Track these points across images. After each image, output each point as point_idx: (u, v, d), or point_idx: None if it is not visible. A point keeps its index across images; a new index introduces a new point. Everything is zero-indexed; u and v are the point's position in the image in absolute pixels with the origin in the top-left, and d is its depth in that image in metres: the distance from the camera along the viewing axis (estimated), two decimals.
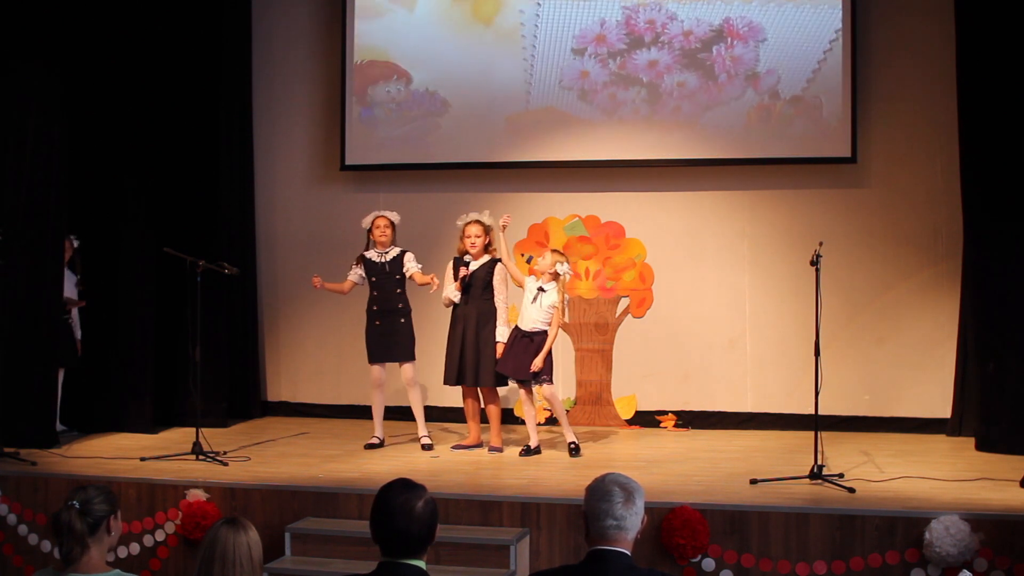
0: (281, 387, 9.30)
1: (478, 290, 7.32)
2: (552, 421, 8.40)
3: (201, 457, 6.89)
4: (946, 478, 6.35)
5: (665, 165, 8.55)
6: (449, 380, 7.40)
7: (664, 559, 5.59)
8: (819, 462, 6.26)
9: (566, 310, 7.33)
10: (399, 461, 7.05)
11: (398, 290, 7.49)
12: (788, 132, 8.24)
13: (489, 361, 7.26)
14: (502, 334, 7.29)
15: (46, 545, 6.40)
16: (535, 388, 7.28)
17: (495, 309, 7.33)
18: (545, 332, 7.15)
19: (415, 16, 8.83)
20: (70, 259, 8.02)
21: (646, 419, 8.57)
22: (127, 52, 8.28)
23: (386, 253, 7.50)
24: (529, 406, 7.30)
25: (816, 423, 6.36)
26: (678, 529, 5.55)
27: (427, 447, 7.42)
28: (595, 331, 8.68)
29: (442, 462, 7.06)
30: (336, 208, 9.08)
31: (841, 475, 6.30)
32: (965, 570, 5.10)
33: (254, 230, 9.22)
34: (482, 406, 7.46)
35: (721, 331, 8.50)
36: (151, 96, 8.36)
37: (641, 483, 3.25)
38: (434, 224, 8.41)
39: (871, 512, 5.55)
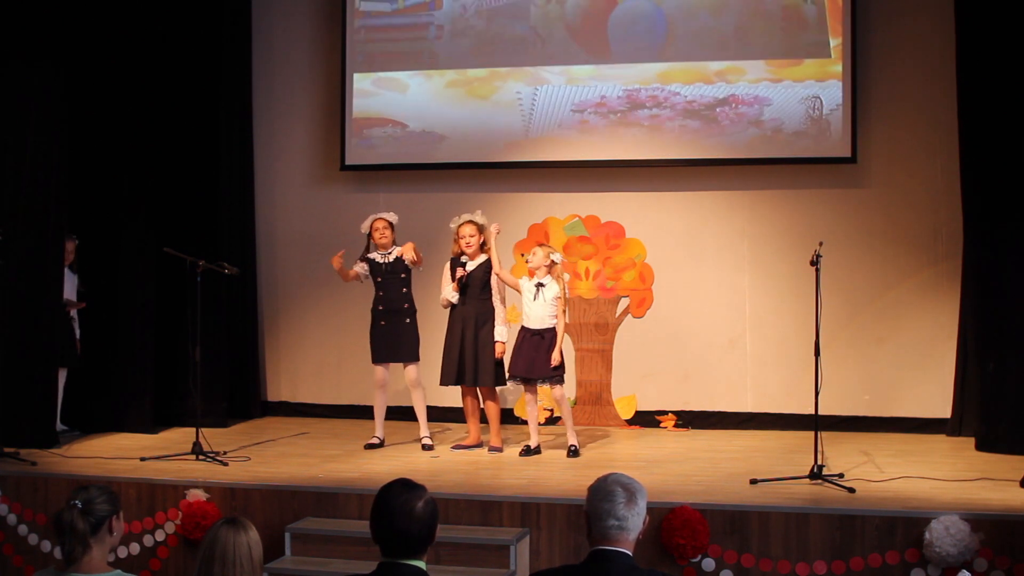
0: (281, 387, 9.29)
1: (476, 290, 7.32)
2: (551, 421, 8.40)
3: (201, 457, 6.89)
4: (946, 478, 6.35)
5: (665, 165, 8.55)
6: (447, 380, 7.39)
7: (664, 559, 5.59)
8: (819, 462, 6.26)
9: (566, 309, 7.33)
10: (399, 461, 7.05)
11: (403, 289, 7.49)
12: (788, 132, 8.25)
13: (488, 361, 7.26)
14: (501, 333, 7.30)
15: (46, 545, 6.40)
16: (540, 388, 7.28)
17: (493, 308, 7.34)
18: (554, 328, 7.16)
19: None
20: (72, 260, 8.03)
21: (646, 419, 8.57)
22: (127, 52, 8.27)
23: (388, 254, 7.51)
24: (532, 406, 7.31)
25: (816, 423, 6.36)
26: (678, 529, 5.55)
27: (427, 447, 7.42)
28: (595, 331, 8.68)
29: (442, 462, 7.07)
30: (336, 208, 9.08)
31: (841, 475, 6.30)
32: (965, 570, 5.10)
33: (254, 230, 9.22)
34: (480, 406, 7.46)
35: (721, 331, 8.50)
36: (151, 96, 8.35)
37: (641, 483, 3.25)
38: (434, 224, 8.40)
39: (871, 512, 5.56)
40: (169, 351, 8.39)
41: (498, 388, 7.45)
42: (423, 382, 7.54)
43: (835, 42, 8.19)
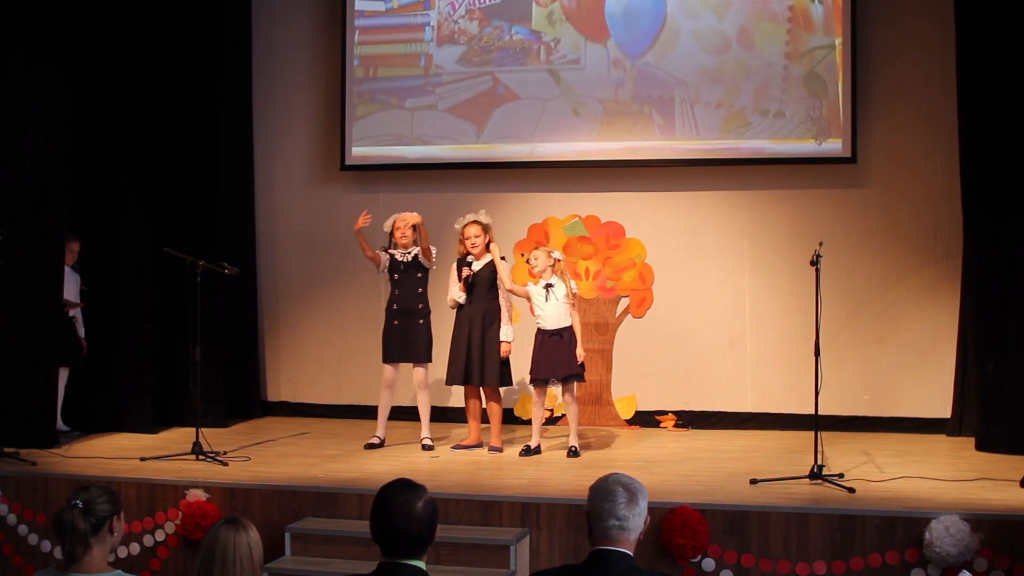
0: (281, 387, 9.29)
1: (482, 290, 7.32)
2: (550, 422, 8.40)
3: (201, 457, 6.89)
4: (946, 478, 6.35)
5: (665, 165, 8.55)
6: (454, 380, 7.39)
7: (664, 559, 5.59)
8: (819, 462, 6.26)
9: (574, 303, 7.32)
10: (399, 461, 7.05)
11: (419, 290, 7.49)
12: (789, 132, 8.25)
13: (494, 361, 7.26)
14: (507, 333, 7.30)
15: (46, 545, 6.40)
16: (550, 389, 7.29)
17: (500, 308, 7.34)
18: (571, 326, 7.18)
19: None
20: (75, 260, 8.03)
21: (646, 419, 8.56)
22: (127, 52, 8.27)
23: (408, 253, 7.51)
24: (539, 407, 7.31)
25: (816, 423, 6.36)
26: (678, 529, 5.55)
27: (427, 447, 7.42)
28: (595, 331, 8.68)
29: (442, 462, 7.07)
30: (336, 208, 9.08)
31: (841, 475, 6.30)
32: (965, 570, 5.10)
33: (254, 230, 9.22)
34: (483, 406, 7.46)
35: (721, 331, 8.50)
36: (151, 96, 8.35)
37: (641, 483, 3.25)
38: (434, 224, 8.36)
39: (871, 512, 5.56)
40: (169, 351, 8.39)
41: (501, 388, 7.45)
42: (430, 385, 7.53)
43: (836, 41, 8.18)
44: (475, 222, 7.38)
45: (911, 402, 8.15)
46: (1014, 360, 7.22)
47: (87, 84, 8.13)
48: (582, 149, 8.60)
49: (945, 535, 5.30)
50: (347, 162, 9.00)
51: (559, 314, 7.19)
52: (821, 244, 6.54)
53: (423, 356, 7.45)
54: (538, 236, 8.70)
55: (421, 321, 7.46)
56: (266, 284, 9.30)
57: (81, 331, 8.12)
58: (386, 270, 7.56)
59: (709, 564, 5.62)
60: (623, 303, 8.70)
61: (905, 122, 8.22)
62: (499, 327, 7.30)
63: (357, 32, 8.95)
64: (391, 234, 7.55)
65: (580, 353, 7.15)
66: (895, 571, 5.44)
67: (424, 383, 7.46)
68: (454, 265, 7.46)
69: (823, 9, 8.19)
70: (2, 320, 7.39)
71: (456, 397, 7.83)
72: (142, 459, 6.89)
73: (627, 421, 8.60)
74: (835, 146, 8.19)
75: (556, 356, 7.14)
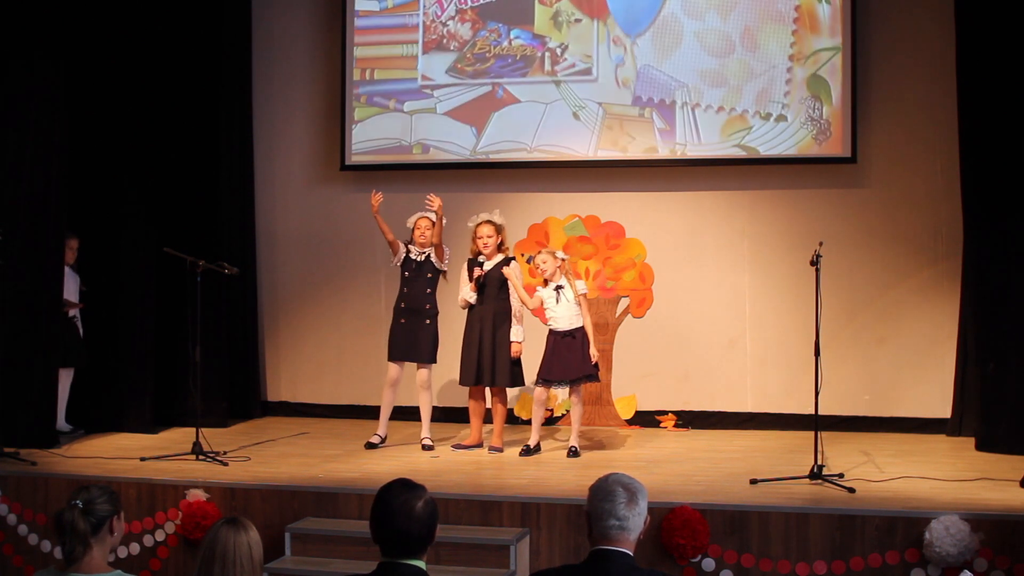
0: (281, 387, 9.29)
1: (493, 290, 7.32)
2: (550, 422, 8.40)
3: (201, 457, 6.89)
4: (946, 478, 6.35)
5: (665, 165, 8.55)
6: (467, 380, 7.39)
7: (664, 559, 5.59)
8: (819, 462, 6.26)
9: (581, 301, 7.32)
10: (399, 461, 7.05)
11: (427, 290, 7.48)
12: (788, 132, 8.25)
13: (505, 361, 7.25)
14: (517, 333, 7.30)
15: (46, 545, 6.40)
16: (554, 391, 7.29)
17: (511, 308, 7.33)
18: (583, 327, 7.18)
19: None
20: (74, 259, 8.03)
21: (646, 419, 8.56)
22: (127, 52, 8.27)
23: (423, 253, 7.50)
24: (541, 407, 7.31)
25: (816, 423, 6.36)
26: (678, 529, 5.55)
27: (427, 447, 7.42)
28: (595, 331, 8.62)
29: (442, 462, 7.07)
30: (336, 208, 9.08)
31: (841, 475, 6.30)
32: (965, 570, 5.10)
33: (254, 230, 9.22)
34: (487, 405, 7.45)
35: (721, 331, 8.50)
36: (151, 96, 8.36)
37: (641, 483, 3.25)
38: None
39: (871, 512, 5.56)
40: (169, 351, 8.39)
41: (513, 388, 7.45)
42: (433, 385, 7.52)
43: (836, 42, 8.18)
44: (488, 222, 7.37)
45: (911, 402, 8.15)
46: (1014, 360, 7.22)
47: (87, 84, 8.13)
48: (582, 151, 8.59)
49: (945, 535, 5.30)
50: (347, 162, 9.00)
51: (570, 315, 7.20)
52: (821, 244, 6.54)
53: (427, 356, 7.44)
54: (538, 236, 8.69)
55: (428, 321, 7.46)
56: (266, 284, 9.30)
57: (81, 331, 8.11)
58: (399, 264, 7.56)
59: (709, 564, 5.62)
60: (623, 303, 8.70)
61: (905, 122, 8.22)
62: (510, 327, 7.30)
63: (355, 33, 8.94)
64: (412, 231, 7.54)
65: (594, 353, 7.14)
66: (895, 571, 5.44)
67: (427, 383, 7.45)
68: (465, 265, 7.46)
69: (830, 9, 8.19)
70: (2, 320, 7.39)
71: (456, 397, 7.82)
72: (142, 459, 6.89)
73: (627, 421, 8.60)
74: (835, 146, 8.19)
75: (569, 358, 7.14)
